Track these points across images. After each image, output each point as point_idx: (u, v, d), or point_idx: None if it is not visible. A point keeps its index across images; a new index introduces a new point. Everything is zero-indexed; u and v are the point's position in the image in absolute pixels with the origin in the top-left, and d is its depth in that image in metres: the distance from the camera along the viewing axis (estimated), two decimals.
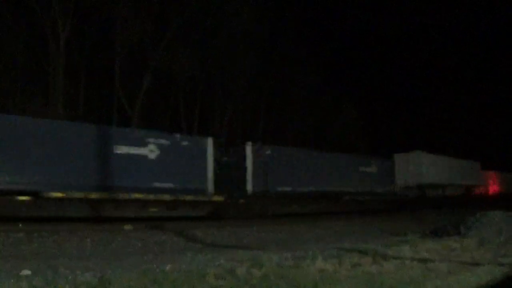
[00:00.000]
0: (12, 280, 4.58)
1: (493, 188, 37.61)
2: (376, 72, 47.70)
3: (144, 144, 13.31)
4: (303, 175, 17.96)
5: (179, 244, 10.06)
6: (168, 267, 5.53)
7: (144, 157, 13.26)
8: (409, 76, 56.56)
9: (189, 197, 14.55)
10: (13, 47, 23.68)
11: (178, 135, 15.25)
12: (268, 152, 16.92)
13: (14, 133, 11.28)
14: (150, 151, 13.38)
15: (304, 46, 35.13)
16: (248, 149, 16.29)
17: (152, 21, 26.51)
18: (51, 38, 23.91)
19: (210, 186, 14.81)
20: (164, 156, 13.66)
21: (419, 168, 25.16)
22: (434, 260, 6.69)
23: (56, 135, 12.05)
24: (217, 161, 15.44)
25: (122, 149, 12.87)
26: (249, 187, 15.93)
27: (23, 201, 11.91)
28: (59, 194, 11.97)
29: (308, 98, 36.34)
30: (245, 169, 15.97)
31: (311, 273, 5.59)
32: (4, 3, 22.87)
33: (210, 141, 15.16)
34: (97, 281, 4.67)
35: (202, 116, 31.08)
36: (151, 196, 13.66)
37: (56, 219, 12.23)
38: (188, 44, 27.96)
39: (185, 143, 14.57)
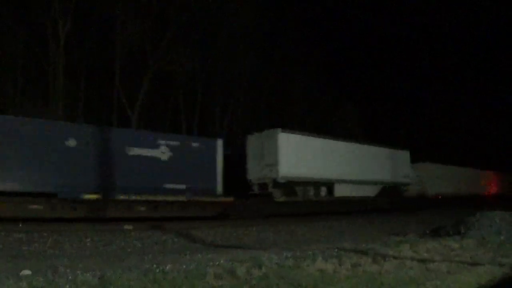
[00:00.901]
0: (12, 280, 4.58)
1: (492, 189, 37.44)
2: (376, 72, 47.78)
3: None
4: None
5: (179, 244, 10.06)
6: (168, 267, 5.53)
7: None
8: (409, 76, 56.66)
9: None
10: (13, 47, 23.68)
11: None
12: None
13: None
14: None
15: (304, 46, 35.16)
16: None
17: (152, 21, 26.52)
18: (51, 38, 23.92)
19: None
20: None
21: (276, 156, 16.86)
22: (434, 260, 6.69)
23: None
24: None
25: None
26: None
27: None
28: None
29: (308, 98, 36.34)
30: None
31: (311, 273, 5.60)
32: (4, 3, 22.88)
33: None
34: (97, 281, 4.68)
35: (202, 116, 31.06)
36: None
37: (56, 219, 12.23)
38: (188, 44, 27.94)
39: None
